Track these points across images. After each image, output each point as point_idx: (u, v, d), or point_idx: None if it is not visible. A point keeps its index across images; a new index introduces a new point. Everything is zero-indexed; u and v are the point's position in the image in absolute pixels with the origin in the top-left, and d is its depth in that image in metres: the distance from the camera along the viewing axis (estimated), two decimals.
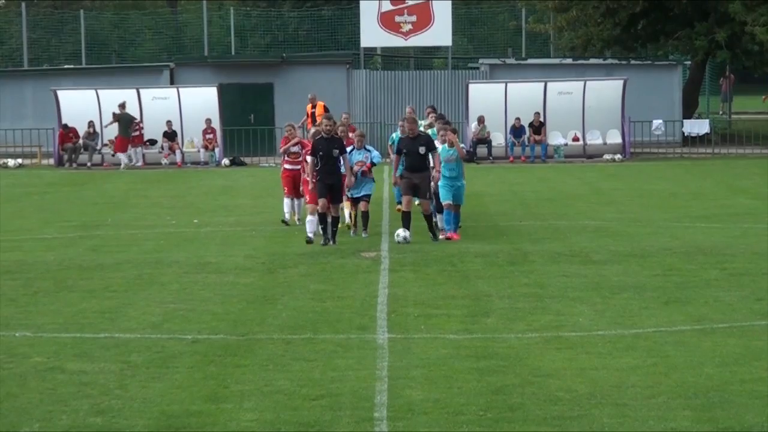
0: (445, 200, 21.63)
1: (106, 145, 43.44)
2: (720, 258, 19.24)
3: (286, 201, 24.13)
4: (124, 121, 42.50)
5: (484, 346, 13.16)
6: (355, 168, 21.96)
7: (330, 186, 21.26)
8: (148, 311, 15.38)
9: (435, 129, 23.69)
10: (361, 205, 22.23)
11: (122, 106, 42.70)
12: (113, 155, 42.93)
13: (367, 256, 19.96)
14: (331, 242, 21.11)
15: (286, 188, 24.13)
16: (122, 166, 41.93)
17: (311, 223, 21.39)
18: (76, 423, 10.41)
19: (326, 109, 39.50)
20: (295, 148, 23.90)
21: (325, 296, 16.32)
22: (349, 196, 22.27)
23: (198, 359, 12.67)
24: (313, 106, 39.90)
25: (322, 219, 21.21)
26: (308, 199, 21.98)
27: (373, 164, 22.50)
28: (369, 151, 22.54)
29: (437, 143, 22.11)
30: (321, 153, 21.20)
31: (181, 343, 13.47)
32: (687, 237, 21.88)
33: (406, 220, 21.38)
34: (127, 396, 11.23)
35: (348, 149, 22.02)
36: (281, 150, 24.49)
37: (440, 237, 21.54)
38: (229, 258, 19.91)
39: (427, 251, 20.10)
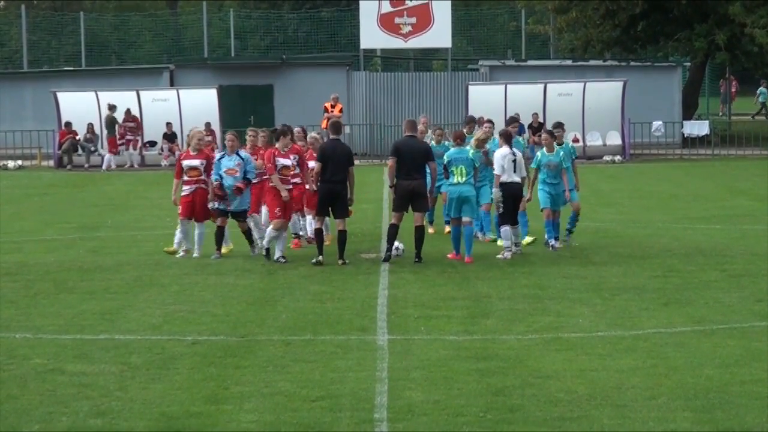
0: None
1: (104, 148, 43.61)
2: (720, 259, 19.25)
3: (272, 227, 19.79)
4: (107, 122, 42.95)
5: (484, 347, 13.17)
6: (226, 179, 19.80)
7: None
8: (148, 313, 15.38)
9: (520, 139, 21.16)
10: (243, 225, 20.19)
11: (111, 108, 43.05)
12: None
13: (366, 257, 19.96)
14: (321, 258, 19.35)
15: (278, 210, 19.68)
16: (104, 166, 42.15)
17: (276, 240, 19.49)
18: (76, 424, 10.42)
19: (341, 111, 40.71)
20: (286, 161, 19.71)
21: (325, 297, 16.32)
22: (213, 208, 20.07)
23: (198, 360, 12.67)
24: (332, 106, 40.55)
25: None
26: (278, 213, 19.40)
27: (247, 181, 19.81)
28: (242, 159, 19.82)
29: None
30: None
31: (181, 344, 13.47)
32: (687, 238, 21.89)
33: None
34: (127, 397, 11.23)
35: (218, 156, 20.17)
36: (268, 171, 19.66)
37: (499, 257, 19.46)
38: (229, 259, 19.91)
39: (427, 253, 20.07)
